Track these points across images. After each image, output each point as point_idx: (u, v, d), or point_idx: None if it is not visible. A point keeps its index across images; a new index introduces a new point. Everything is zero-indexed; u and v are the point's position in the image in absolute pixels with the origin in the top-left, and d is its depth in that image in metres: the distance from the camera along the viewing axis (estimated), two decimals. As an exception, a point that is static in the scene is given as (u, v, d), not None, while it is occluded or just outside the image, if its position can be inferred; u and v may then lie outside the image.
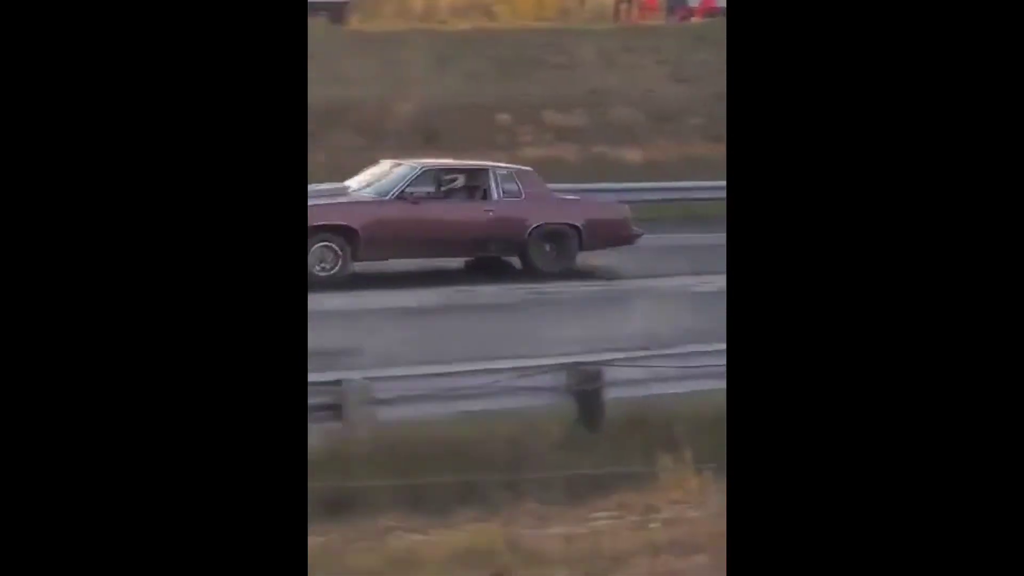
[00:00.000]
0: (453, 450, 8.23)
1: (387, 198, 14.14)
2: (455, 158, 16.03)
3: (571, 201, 15.27)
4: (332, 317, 11.56)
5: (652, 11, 28.74)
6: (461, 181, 14.85)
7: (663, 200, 18.21)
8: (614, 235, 15.17)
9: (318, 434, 8.99)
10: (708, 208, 16.88)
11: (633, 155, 20.72)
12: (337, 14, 27.47)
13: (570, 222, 14.82)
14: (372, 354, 10.82)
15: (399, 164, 14.62)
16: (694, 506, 7.20)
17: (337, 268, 13.68)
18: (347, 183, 14.59)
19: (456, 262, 15.14)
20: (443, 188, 14.73)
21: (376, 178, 14.51)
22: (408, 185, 14.28)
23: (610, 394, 9.11)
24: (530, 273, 14.42)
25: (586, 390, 9.02)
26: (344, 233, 13.72)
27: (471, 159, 16.11)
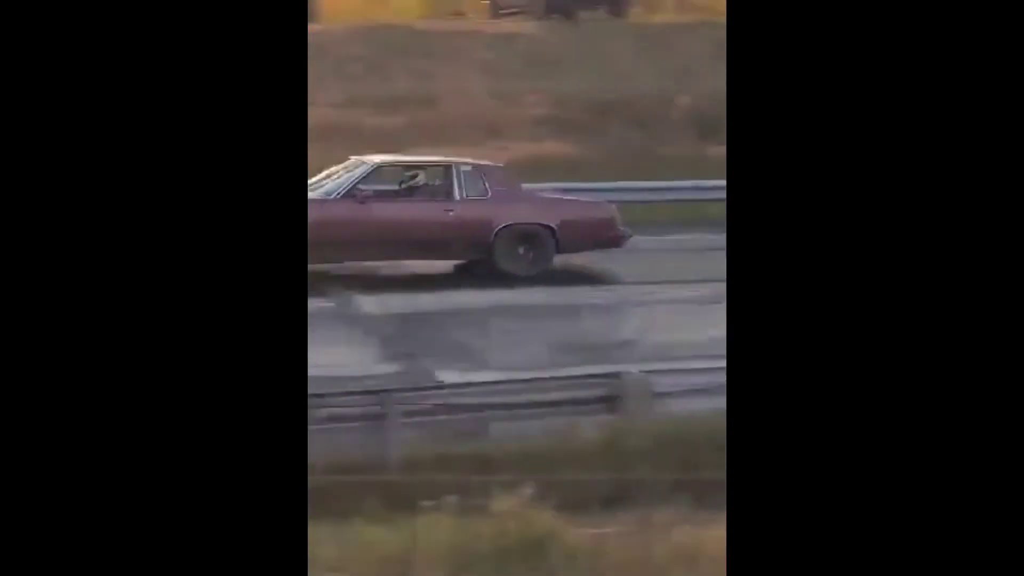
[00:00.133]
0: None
1: (332, 197, 13.48)
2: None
3: (546, 200, 14.47)
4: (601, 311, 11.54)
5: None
6: (423, 179, 14.22)
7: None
8: (597, 236, 14.30)
9: (594, 426, 8.98)
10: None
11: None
12: (616, 8, 27.52)
13: (542, 222, 13.99)
14: (647, 346, 10.74)
15: (363, 161, 14.05)
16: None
17: None
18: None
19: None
20: (404, 186, 14.16)
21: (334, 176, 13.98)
22: (359, 183, 13.65)
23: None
24: (501, 277, 13.72)
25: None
26: None
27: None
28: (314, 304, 10.52)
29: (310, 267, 13.27)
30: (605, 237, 14.28)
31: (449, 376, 10.09)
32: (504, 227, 13.87)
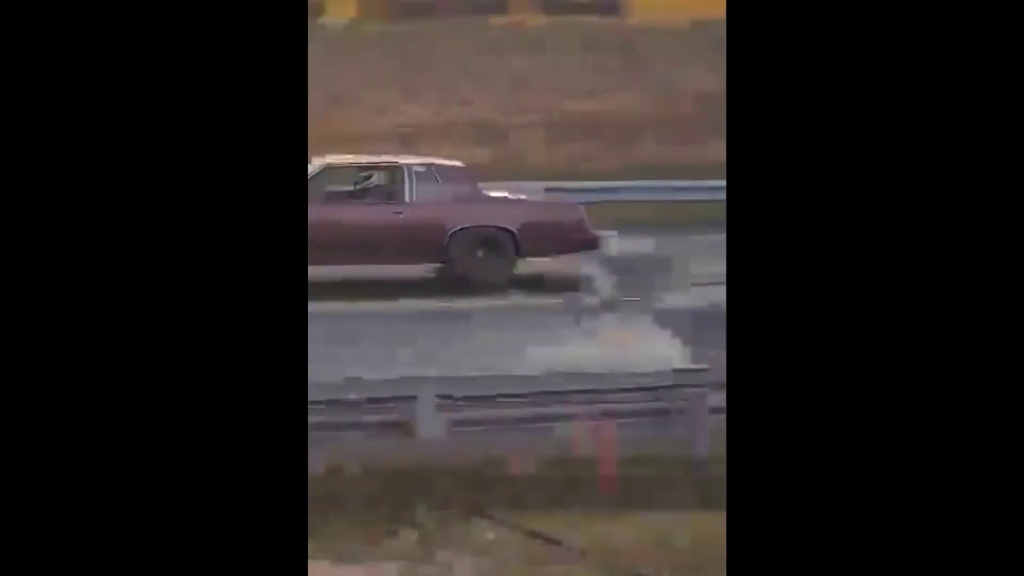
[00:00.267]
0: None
1: None
2: None
3: (506, 202, 13.76)
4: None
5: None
6: (377, 179, 13.78)
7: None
8: (563, 240, 13.66)
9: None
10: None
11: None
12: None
13: (501, 225, 13.39)
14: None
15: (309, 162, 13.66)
16: None
17: None
18: None
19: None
20: (358, 187, 13.80)
21: None
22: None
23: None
24: (458, 282, 13.30)
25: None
26: None
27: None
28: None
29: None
30: (573, 240, 13.69)
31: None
32: (460, 230, 13.31)
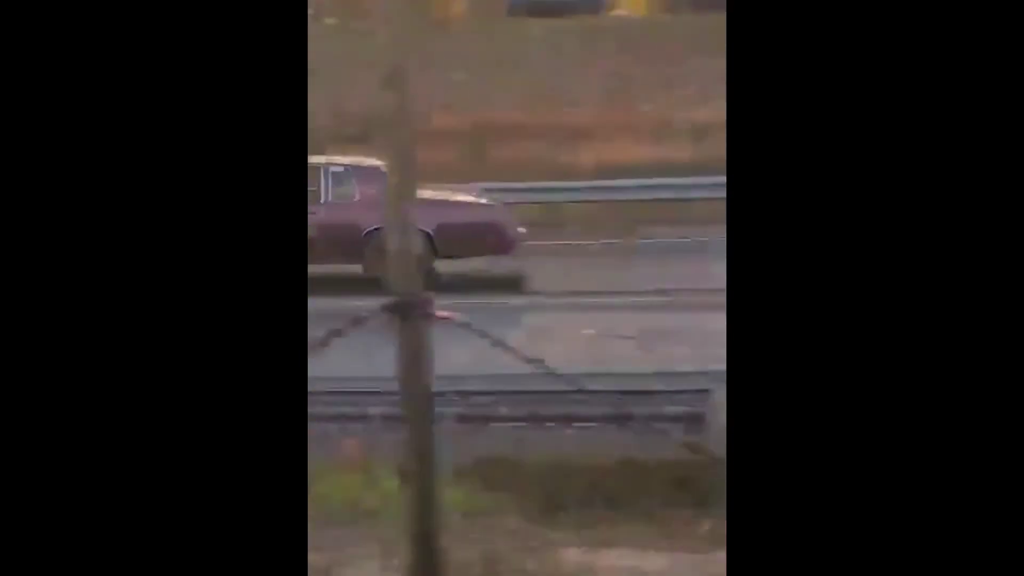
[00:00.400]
0: None
1: None
2: None
3: (425, 203, 13.95)
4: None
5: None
6: None
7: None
8: (483, 241, 13.88)
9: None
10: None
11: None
12: None
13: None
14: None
15: None
16: None
17: None
18: None
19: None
20: None
21: None
22: None
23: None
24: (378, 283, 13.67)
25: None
26: None
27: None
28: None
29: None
30: (490, 242, 13.88)
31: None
32: (374, 230, 13.32)
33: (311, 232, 13.09)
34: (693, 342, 11.37)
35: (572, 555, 6.86)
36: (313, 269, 13.31)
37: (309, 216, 13.27)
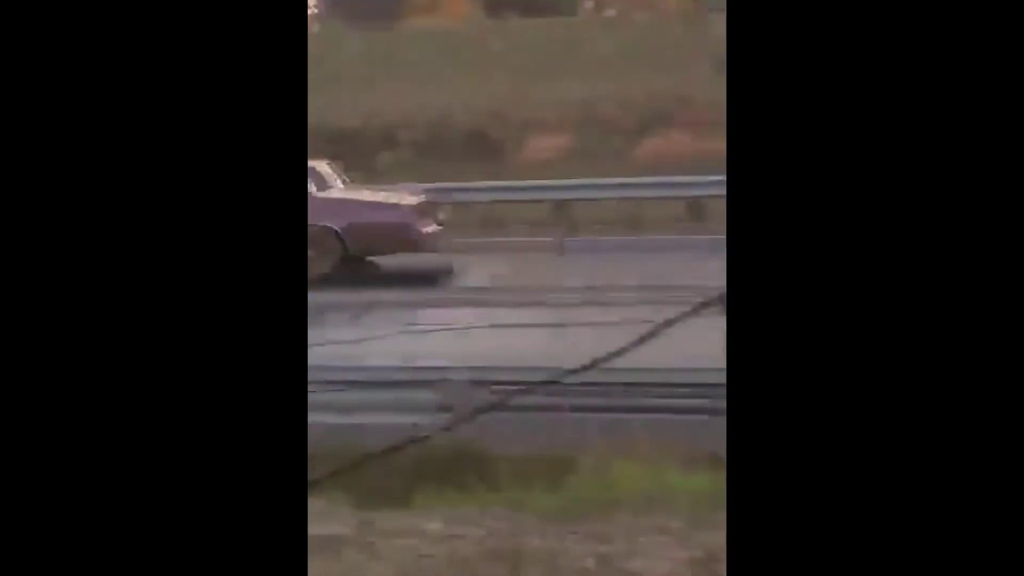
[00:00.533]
0: None
1: None
2: None
3: (335, 201, 14.52)
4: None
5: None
6: None
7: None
8: (390, 239, 14.46)
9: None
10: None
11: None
12: None
13: (325, 224, 14.09)
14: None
15: None
16: None
17: None
18: None
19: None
20: None
21: None
22: None
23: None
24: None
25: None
26: None
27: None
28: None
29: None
30: (399, 240, 14.38)
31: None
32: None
33: None
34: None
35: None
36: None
37: None
